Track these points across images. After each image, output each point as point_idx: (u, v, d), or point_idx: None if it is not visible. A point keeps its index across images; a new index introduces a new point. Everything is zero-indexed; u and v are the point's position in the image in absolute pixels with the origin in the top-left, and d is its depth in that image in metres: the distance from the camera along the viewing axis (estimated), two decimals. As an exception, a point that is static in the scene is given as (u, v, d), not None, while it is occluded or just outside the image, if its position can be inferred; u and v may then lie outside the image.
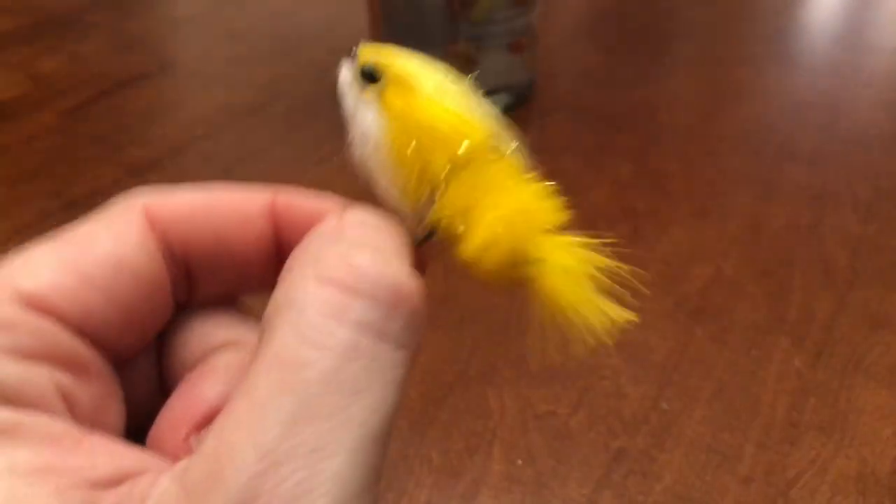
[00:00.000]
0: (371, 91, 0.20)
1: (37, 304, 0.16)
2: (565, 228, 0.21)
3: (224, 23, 0.74)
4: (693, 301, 0.43)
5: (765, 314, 0.42)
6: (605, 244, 0.20)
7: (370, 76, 0.20)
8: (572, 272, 0.20)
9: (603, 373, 0.38)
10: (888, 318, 0.42)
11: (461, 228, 0.20)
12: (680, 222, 0.49)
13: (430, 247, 0.21)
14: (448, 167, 0.20)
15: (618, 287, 0.20)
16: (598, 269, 0.20)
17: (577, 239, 0.21)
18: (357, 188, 0.19)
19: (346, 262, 0.16)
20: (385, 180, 0.20)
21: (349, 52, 0.21)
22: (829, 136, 0.59)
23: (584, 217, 0.57)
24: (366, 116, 0.20)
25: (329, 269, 0.16)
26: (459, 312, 0.41)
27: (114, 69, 0.65)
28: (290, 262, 0.17)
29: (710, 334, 0.41)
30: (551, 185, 0.21)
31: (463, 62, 0.58)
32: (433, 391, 0.37)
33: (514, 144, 0.21)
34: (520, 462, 0.34)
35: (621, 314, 0.20)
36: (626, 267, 0.20)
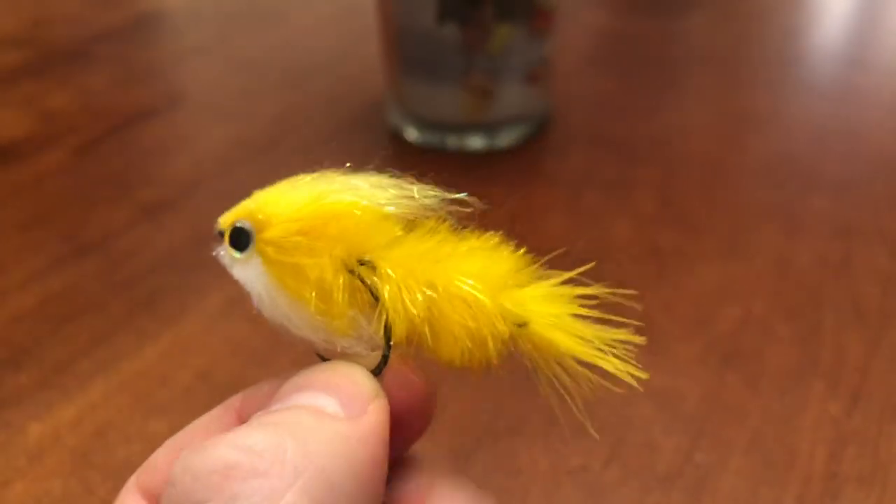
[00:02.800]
0: (249, 252, 0.18)
1: None
2: (530, 269, 0.19)
3: (234, 53, 0.74)
4: (723, 344, 0.42)
5: (797, 358, 0.41)
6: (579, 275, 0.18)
7: (241, 240, 0.18)
8: (562, 319, 0.18)
9: (634, 423, 0.37)
10: (924, 361, 0.41)
11: (421, 327, 0.17)
12: (706, 260, 0.48)
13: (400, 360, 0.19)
14: (357, 268, 0.17)
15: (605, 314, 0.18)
16: (585, 301, 0.18)
17: (549, 280, 0.19)
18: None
19: None
20: (306, 327, 0.17)
21: (216, 238, 0.18)
22: (852, 165, 0.58)
23: (608, 255, 0.56)
24: (249, 277, 0.18)
25: None
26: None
27: (123, 103, 0.65)
28: None
29: (742, 380, 0.40)
30: (487, 233, 0.19)
31: (479, 94, 0.57)
32: (462, 445, 0.36)
33: (417, 196, 0.18)
34: (554, 522, 0.33)
35: (628, 339, 0.18)
36: (608, 290, 0.18)
